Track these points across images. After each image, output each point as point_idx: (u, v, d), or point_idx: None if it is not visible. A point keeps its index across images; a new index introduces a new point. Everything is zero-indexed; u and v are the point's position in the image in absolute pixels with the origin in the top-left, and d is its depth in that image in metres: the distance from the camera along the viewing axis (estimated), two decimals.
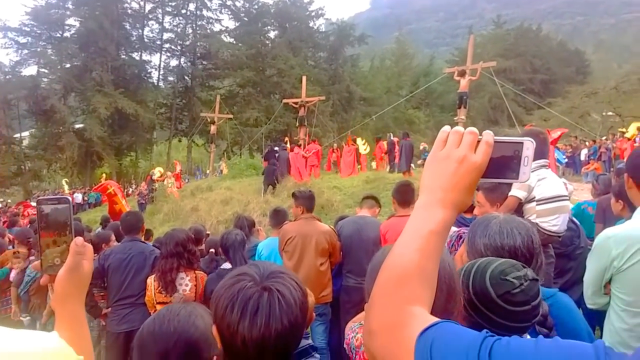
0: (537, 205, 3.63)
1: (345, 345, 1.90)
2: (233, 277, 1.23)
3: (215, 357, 1.41)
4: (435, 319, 0.82)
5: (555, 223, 3.58)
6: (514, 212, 3.48)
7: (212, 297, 1.24)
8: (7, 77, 43.23)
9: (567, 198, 3.74)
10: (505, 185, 3.56)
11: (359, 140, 23.19)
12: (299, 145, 20.53)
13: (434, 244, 0.91)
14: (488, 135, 0.94)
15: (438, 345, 0.75)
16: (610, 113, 37.39)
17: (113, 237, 5.70)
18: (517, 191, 3.60)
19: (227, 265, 3.88)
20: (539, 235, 1.88)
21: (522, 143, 0.95)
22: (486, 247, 1.79)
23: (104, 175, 33.54)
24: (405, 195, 4.70)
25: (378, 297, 0.90)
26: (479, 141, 0.94)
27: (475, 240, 1.85)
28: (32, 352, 0.71)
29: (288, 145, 21.06)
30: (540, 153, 3.63)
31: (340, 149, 22.07)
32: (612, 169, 16.50)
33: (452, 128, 0.99)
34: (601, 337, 2.61)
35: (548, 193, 3.60)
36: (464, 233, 3.27)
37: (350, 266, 4.93)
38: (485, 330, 0.76)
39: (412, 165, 18.27)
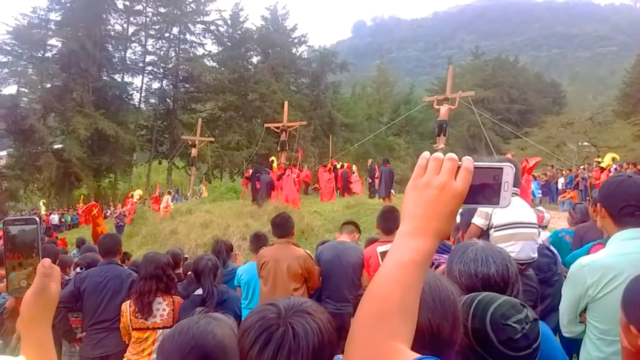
0: (494, 232, 3.68)
1: None
2: (263, 304, 1.29)
3: None
4: (416, 355, 0.81)
5: (512, 250, 3.59)
6: (483, 239, 3.54)
7: (246, 315, 1.30)
8: None
9: (531, 225, 3.77)
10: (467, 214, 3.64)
11: (354, 167, 23.40)
12: (291, 168, 20.41)
13: (415, 275, 0.89)
14: (468, 162, 0.93)
15: None
16: (585, 143, 38.08)
17: None
18: (477, 219, 3.67)
19: (199, 291, 3.83)
20: None
21: (501, 169, 0.94)
22: (460, 273, 1.79)
23: (82, 196, 33.13)
24: (388, 222, 4.71)
25: (357, 332, 0.88)
26: (458, 167, 0.93)
27: (452, 266, 1.85)
28: None
29: (275, 164, 21.00)
30: None
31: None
32: (588, 198, 16.77)
33: (431, 154, 0.97)
34: None
35: (503, 220, 3.65)
36: (436, 259, 3.31)
37: (329, 292, 4.91)
38: None
39: (392, 191, 18.36)
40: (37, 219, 1.17)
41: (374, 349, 0.83)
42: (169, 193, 24.51)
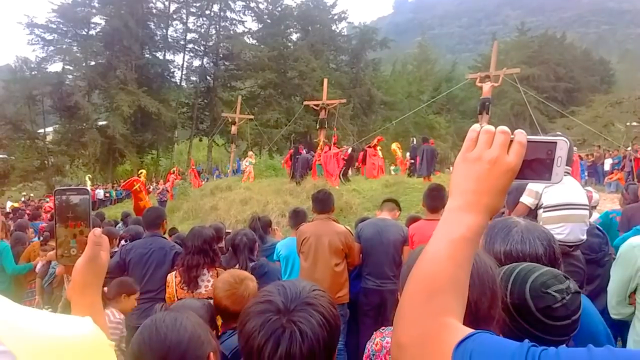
0: (543, 212, 3.59)
1: (364, 358, 1.89)
2: (259, 303, 1.26)
3: (211, 354, 1.53)
4: (471, 330, 0.79)
5: (561, 232, 3.51)
6: (530, 218, 3.46)
7: (241, 315, 1.29)
8: (33, 72, 43.86)
9: (582, 207, 3.65)
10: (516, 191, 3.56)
11: (394, 145, 23.22)
12: (330, 146, 20.38)
13: (466, 251, 0.87)
14: (521, 135, 0.90)
15: (478, 356, 0.72)
16: (634, 123, 36.80)
17: None
18: (525, 198, 3.59)
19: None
20: None
21: (555, 143, 0.92)
22: (506, 255, 1.74)
23: (143, 172, 33.69)
24: (435, 200, 4.67)
25: (407, 309, 0.85)
26: (511, 141, 0.90)
27: (494, 247, 1.78)
28: (71, 335, 0.72)
29: (320, 143, 21.01)
30: None
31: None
32: (636, 179, 16.23)
33: (481, 127, 0.94)
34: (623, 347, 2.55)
35: (554, 200, 3.56)
36: None
37: (370, 269, 4.90)
38: (526, 340, 0.73)
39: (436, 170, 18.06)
40: (89, 189, 1.19)
41: (426, 325, 0.81)
42: (251, 156, 24.02)
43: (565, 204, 3.58)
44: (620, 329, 2.94)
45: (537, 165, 0.93)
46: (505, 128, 0.91)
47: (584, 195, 3.78)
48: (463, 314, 0.86)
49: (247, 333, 1.21)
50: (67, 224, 1.16)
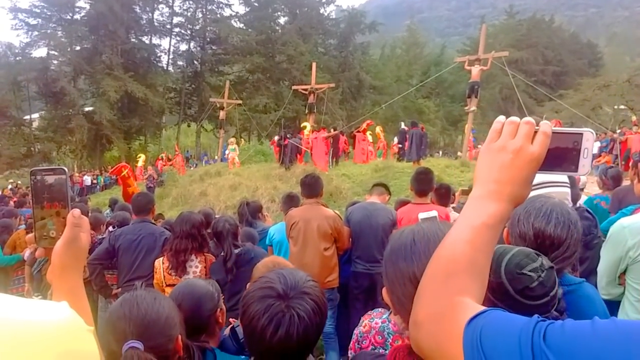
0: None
1: (351, 344, 1.90)
2: (262, 289, 1.40)
3: (179, 336, 1.60)
4: (483, 308, 0.81)
5: None
6: None
7: (243, 298, 1.43)
8: (17, 58, 43.24)
9: (563, 184, 3.69)
10: None
11: (377, 129, 23.19)
12: (319, 130, 20.37)
13: (487, 237, 0.89)
14: (546, 126, 0.91)
15: (487, 331, 0.74)
16: (622, 106, 37.04)
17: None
18: None
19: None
20: None
21: (581, 134, 0.92)
22: (519, 219, 1.82)
23: (142, 156, 33.12)
24: (422, 184, 4.65)
25: (426, 288, 0.89)
26: (536, 131, 0.91)
27: (515, 210, 1.84)
28: (44, 320, 0.69)
29: (308, 128, 20.96)
30: None
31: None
32: (622, 162, 16.37)
33: (506, 118, 0.96)
34: None
35: (536, 179, 3.57)
36: None
37: (359, 252, 4.92)
38: (536, 315, 0.74)
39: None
40: (65, 169, 1.16)
41: (442, 304, 0.84)
42: (233, 142, 23.74)
43: (546, 181, 3.60)
44: (610, 308, 2.97)
45: (563, 156, 0.94)
46: (530, 119, 0.93)
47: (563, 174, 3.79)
48: (482, 296, 0.88)
49: (251, 315, 1.35)
50: (44, 205, 1.12)
